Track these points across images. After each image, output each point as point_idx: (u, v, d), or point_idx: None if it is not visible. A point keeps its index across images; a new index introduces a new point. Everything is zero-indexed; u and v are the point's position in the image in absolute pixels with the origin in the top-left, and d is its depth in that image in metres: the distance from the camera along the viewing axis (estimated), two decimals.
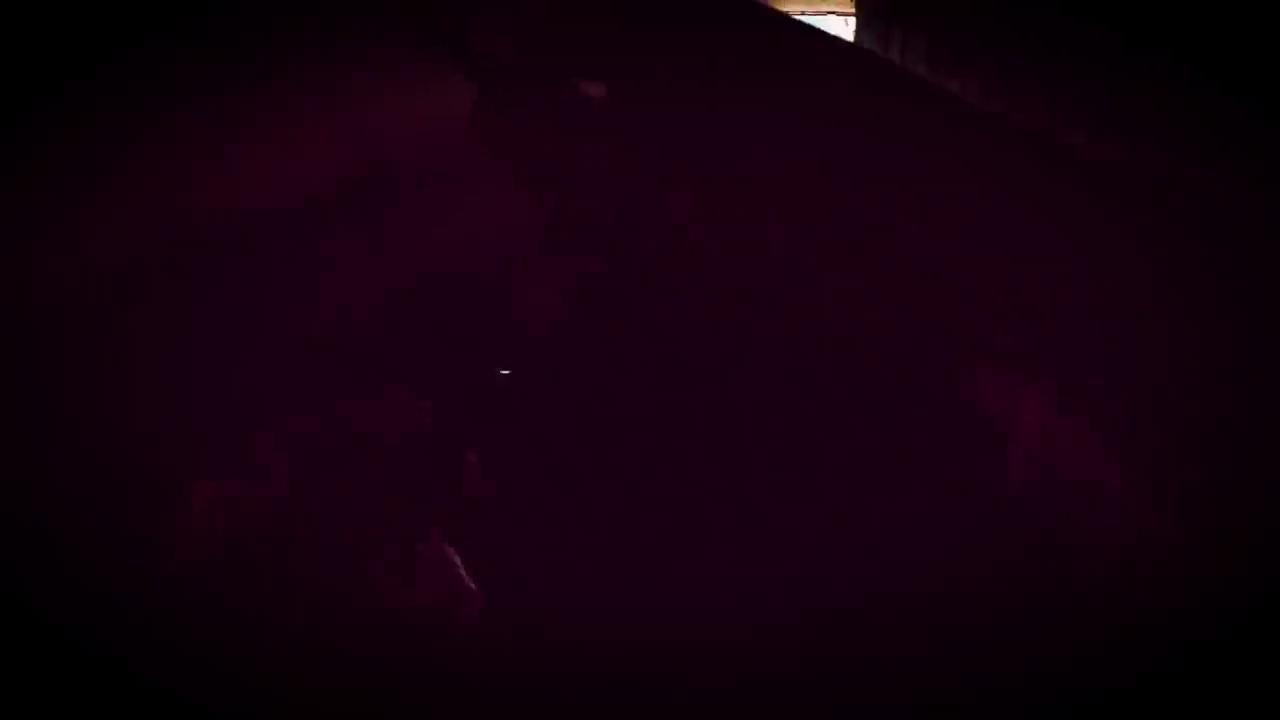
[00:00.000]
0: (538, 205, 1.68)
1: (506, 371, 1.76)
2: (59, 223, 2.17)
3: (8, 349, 1.76)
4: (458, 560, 1.58)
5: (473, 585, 1.53)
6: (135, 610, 1.65)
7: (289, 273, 2.16)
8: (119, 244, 2.21)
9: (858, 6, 6.68)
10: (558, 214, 1.66)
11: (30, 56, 2.01)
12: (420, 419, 1.73)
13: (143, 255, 2.10)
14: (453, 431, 1.71)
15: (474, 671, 1.41)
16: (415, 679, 1.43)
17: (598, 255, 1.45)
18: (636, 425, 1.40)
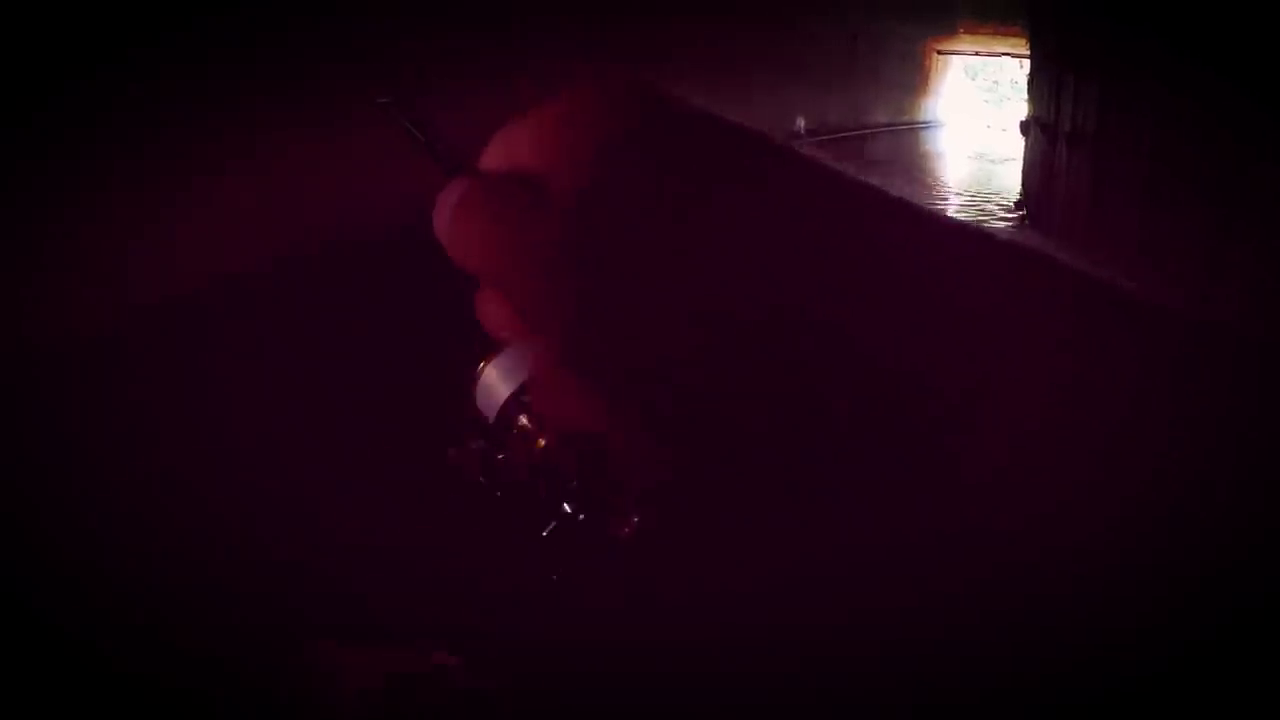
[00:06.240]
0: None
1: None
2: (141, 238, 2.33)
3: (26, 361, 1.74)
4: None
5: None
6: (134, 610, 1.54)
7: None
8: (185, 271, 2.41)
9: (1031, 51, 7.47)
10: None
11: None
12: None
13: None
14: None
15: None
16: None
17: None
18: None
